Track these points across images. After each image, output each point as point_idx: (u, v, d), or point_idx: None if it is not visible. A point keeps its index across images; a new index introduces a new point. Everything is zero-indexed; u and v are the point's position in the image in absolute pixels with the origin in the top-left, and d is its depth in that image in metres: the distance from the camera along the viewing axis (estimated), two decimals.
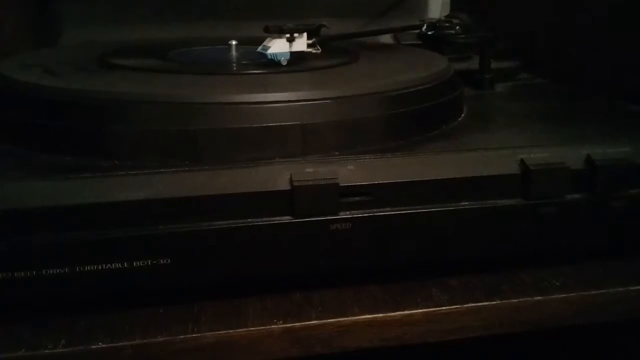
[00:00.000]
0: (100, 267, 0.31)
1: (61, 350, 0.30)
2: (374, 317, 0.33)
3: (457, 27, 0.53)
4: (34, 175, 0.32)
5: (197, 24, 0.75)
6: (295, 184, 0.32)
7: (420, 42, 0.57)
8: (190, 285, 0.34)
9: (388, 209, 0.34)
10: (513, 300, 0.35)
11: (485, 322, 0.35)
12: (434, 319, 0.34)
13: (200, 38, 0.59)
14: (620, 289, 0.36)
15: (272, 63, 0.44)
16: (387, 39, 0.70)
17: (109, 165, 0.33)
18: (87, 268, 0.31)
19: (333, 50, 0.51)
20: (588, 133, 0.40)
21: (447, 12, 0.77)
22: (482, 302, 0.35)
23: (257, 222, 0.32)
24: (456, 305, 0.34)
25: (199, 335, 0.32)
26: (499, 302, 0.35)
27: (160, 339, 0.31)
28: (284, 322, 0.33)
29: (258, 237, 0.33)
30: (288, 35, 0.44)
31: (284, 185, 0.32)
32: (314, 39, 0.46)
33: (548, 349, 0.62)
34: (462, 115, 0.44)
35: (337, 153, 0.35)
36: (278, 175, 0.33)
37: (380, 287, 0.36)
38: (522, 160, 0.35)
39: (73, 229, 0.31)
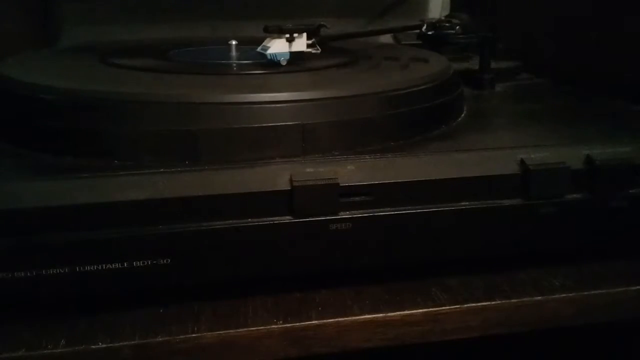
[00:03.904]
0: (100, 267, 0.31)
1: (61, 350, 0.30)
2: (374, 317, 0.33)
3: (457, 27, 0.53)
4: (34, 175, 0.32)
5: (197, 24, 0.75)
6: (295, 184, 0.32)
7: (420, 42, 0.57)
8: (190, 285, 0.34)
9: (388, 209, 0.34)
10: (513, 300, 0.35)
11: (485, 322, 0.35)
12: (434, 319, 0.34)
13: (200, 38, 0.60)
14: (620, 289, 0.36)
15: (271, 63, 0.44)
16: (387, 39, 0.70)
17: (109, 165, 0.33)
18: (87, 268, 0.31)
19: (333, 51, 0.51)
20: (588, 133, 0.40)
21: (447, 12, 0.77)
22: (482, 302, 0.35)
23: (257, 222, 0.32)
24: (456, 305, 0.34)
25: (199, 335, 0.32)
26: (499, 302, 0.35)
27: (160, 339, 0.31)
28: (284, 322, 0.33)
29: (258, 237, 0.33)
30: (288, 36, 0.44)
31: (284, 185, 0.32)
32: (313, 39, 0.46)
33: (548, 349, 0.62)
34: (462, 115, 0.44)
35: (337, 153, 0.35)
36: (278, 175, 0.33)
37: (380, 287, 0.36)
38: (522, 160, 0.35)
39: (73, 229, 0.31)
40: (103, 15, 0.74)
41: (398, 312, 0.34)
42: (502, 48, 0.58)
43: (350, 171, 0.33)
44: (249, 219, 0.32)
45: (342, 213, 0.33)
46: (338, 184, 0.33)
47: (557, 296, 0.35)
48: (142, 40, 0.61)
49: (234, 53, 0.50)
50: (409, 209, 0.34)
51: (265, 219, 0.33)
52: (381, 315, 0.34)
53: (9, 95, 0.38)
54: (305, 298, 0.35)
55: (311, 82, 0.41)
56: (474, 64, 0.56)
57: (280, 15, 0.58)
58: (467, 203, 0.35)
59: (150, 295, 0.33)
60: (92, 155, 0.34)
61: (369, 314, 0.34)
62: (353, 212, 0.33)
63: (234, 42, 0.51)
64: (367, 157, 0.34)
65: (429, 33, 0.54)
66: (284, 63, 0.44)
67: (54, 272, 0.31)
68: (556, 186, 0.35)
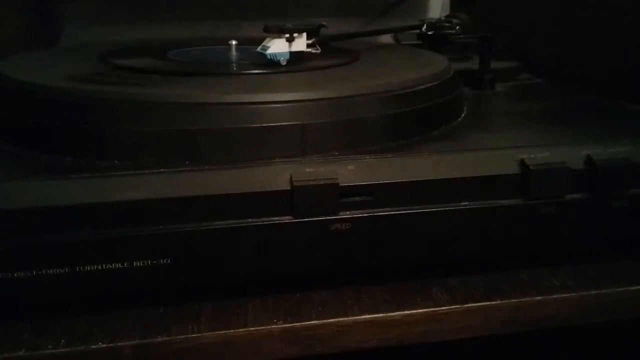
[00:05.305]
0: (100, 267, 0.31)
1: (61, 350, 0.30)
2: (374, 317, 0.33)
3: (457, 27, 0.53)
4: (34, 175, 0.32)
5: (197, 24, 0.75)
6: (295, 184, 0.32)
7: (420, 42, 0.57)
8: (190, 285, 0.34)
9: (388, 209, 0.34)
10: (513, 300, 0.35)
11: (485, 322, 0.35)
12: (434, 319, 0.34)
13: (200, 38, 0.60)
14: (620, 289, 0.36)
15: (271, 63, 0.44)
16: (387, 39, 0.70)
17: (109, 165, 0.33)
18: (87, 268, 0.31)
19: (333, 50, 0.51)
20: (588, 133, 0.40)
21: (447, 12, 0.77)
22: (482, 302, 0.35)
23: (257, 222, 0.32)
24: (456, 305, 0.34)
25: (199, 335, 0.32)
26: (499, 302, 0.35)
27: (160, 339, 0.31)
28: (284, 322, 0.33)
29: (258, 237, 0.33)
30: (287, 35, 0.44)
31: (284, 185, 0.32)
32: (313, 39, 0.46)
33: (548, 349, 0.62)
34: (462, 115, 0.44)
35: (337, 153, 0.35)
36: (278, 175, 0.33)
37: (380, 287, 0.36)
38: (522, 160, 0.35)
39: (73, 229, 0.31)
40: (103, 15, 0.74)
41: (398, 312, 0.34)
42: (502, 48, 0.58)
43: (350, 171, 0.33)
44: (249, 219, 0.32)
45: (342, 213, 0.33)
46: (338, 184, 0.33)
47: (557, 296, 0.35)
48: (142, 40, 0.61)
49: (234, 53, 0.50)
50: (409, 209, 0.34)
51: (265, 219, 0.33)
52: (381, 315, 0.34)
53: (9, 95, 0.38)
54: (305, 298, 0.35)
55: (311, 82, 0.41)
56: (474, 64, 0.56)
57: (280, 15, 0.58)
58: (467, 203, 0.35)
59: (150, 295, 0.33)
60: (92, 155, 0.34)
61: (369, 314, 0.34)
62: (353, 212, 0.33)
63: (234, 42, 0.51)
64: (367, 157, 0.34)
65: (429, 33, 0.54)
66: (284, 63, 0.44)
67: (54, 272, 0.31)
68: (556, 186, 0.35)
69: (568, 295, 0.36)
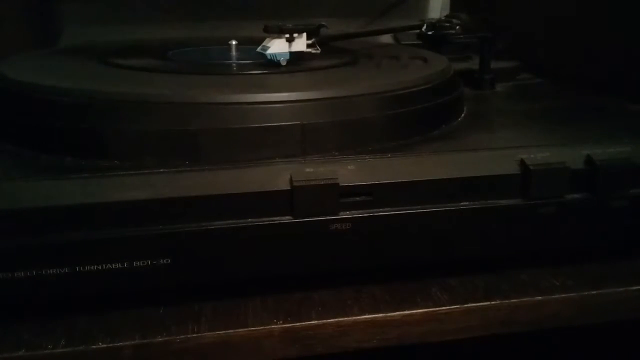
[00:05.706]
0: (100, 267, 0.31)
1: (61, 350, 0.30)
2: (374, 317, 0.33)
3: (457, 27, 0.53)
4: (34, 175, 0.32)
5: (197, 24, 0.75)
6: (295, 184, 0.32)
7: (420, 42, 0.57)
8: (190, 285, 0.34)
9: (388, 209, 0.34)
10: (513, 300, 0.35)
11: (485, 322, 0.35)
12: (434, 319, 0.34)
13: (200, 38, 0.60)
14: (620, 289, 0.36)
15: (271, 63, 0.44)
16: (387, 39, 0.70)
17: (109, 165, 0.33)
18: (87, 268, 0.31)
19: (333, 51, 0.51)
20: (588, 133, 0.40)
21: (447, 12, 0.77)
22: (482, 302, 0.35)
23: (257, 222, 0.32)
24: (456, 305, 0.34)
25: (199, 335, 0.32)
26: (499, 302, 0.35)
27: (160, 339, 0.31)
28: (284, 322, 0.33)
29: (258, 237, 0.33)
30: (287, 36, 0.44)
31: (284, 185, 0.32)
32: (313, 39, 0.46)
33: (548, 349, 0.62)
34: (462, 115, 0.44)
35: (337, 153, 0.35)
36: (278, 175, 0.33)
37: (380, 287, 0.36)
38: (522, 160, 0.35)
39: (73, 229, 0.31)
40: (103, 15, 0.74)
41: (398, 312, 0.34)
42: (502, 48, 0.58)
43: (350, 171, 0.33)
44: (249, 219, 0.32)
45: (342, 213, 0.33)
46: (338, 184, 0.33)
47: (557, 296, 0.35)
48: (142, 40, 0.61)
49: (234, 53, 0.50)
50: (409, 209, 0.34)
51: (265, 219, 0.33)
52: (381, 315, 0.34)
53: (9, 95, 0.38)
54: (305, 298, 0.35)
55: (311, 82, 0.41)
56: (474, 64, 0.56)
57: (280, 15, 0.58)
58: (467, 203, 0.35)
59: (150, 295, 0.33)
60: (92, 155, 0.34)
61: (369, 314, 0.34)
62: (353, 212, 0.33)
63: (234, 42, 0.51)
64: (367, 157, 0.34)
65: (429, 33, 0.54)
66: (284, 63, 0.44)
67: (54, 272, 0.31)
68: (556, 186, 0.35)
69: (568, 295, 0.36)
